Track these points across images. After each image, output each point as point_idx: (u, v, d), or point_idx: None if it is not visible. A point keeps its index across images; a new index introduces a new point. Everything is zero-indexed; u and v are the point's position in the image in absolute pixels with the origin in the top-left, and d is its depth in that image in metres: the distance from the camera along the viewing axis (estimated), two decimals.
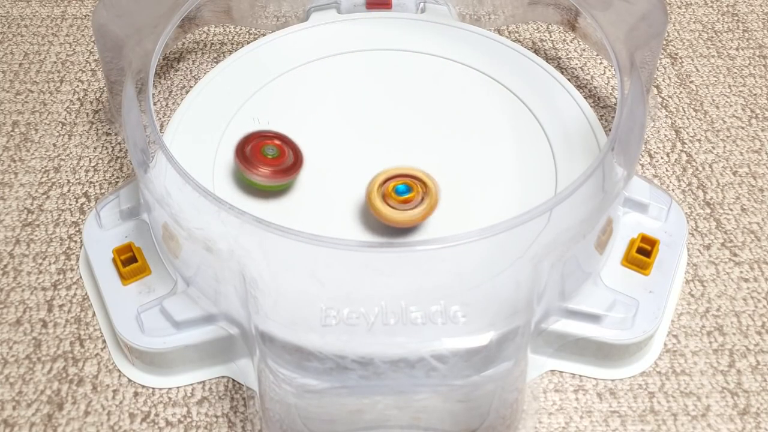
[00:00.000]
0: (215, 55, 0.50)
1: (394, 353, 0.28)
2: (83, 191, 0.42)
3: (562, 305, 0.33)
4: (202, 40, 0.51)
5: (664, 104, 0.47)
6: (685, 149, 0.44)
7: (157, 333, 0.33)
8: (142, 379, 0.34)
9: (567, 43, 0.51)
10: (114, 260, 0.35)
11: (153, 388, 0.34)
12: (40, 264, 0.38)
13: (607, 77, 0.48)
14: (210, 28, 0.52)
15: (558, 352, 0.34)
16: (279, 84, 0.42)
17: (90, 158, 0.44)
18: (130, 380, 0.34)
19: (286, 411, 0.29)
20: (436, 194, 0.34)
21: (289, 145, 0.37)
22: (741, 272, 0.38)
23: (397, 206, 0.34)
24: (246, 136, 0.36)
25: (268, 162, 0.36)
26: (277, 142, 0.36)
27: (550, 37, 0.52)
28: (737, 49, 0.51)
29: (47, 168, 0.43)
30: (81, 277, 0.38)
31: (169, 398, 0.33)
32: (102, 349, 0.35)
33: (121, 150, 0.44)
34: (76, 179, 0.42)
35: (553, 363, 0.34)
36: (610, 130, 0.41)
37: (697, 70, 0.49)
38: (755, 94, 0.47)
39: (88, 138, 0.45)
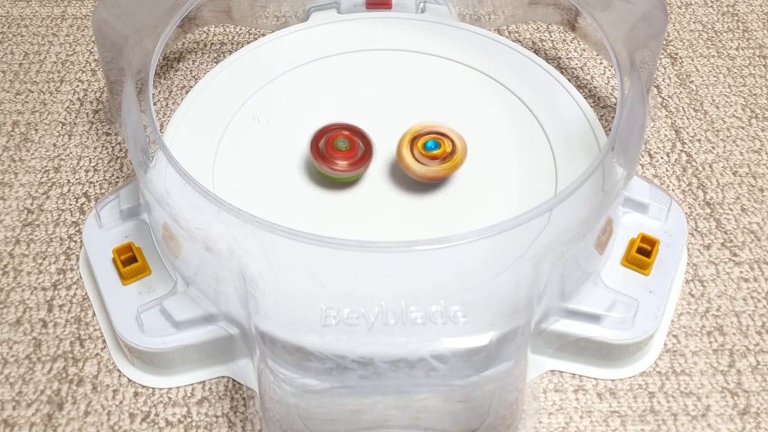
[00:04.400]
0: (215, 55, 0.50)
1: (394, 353, 0.28)
2: (83, 191, 0.42)
3: (562, 305, 0.33)
4: (202, 40, 0.51)
5: (664, 104, 0.47)
6: (685, 149, 0.44)
7: (157, 333, 0.33)
8: (142, 379, 0.34)
9: (567, 43, 0.51)
10: (114, 260, 0.35)
11: (153, 388, 0.34)
12: (40, 264, 0.38)
13: (607, 77, 0.48)
14: (210, 28, 0.52)
15: (558, 352, 0.34)
16: (279, 84, 0.42)
17: (90, 158, 0.44)
18: (130, 380, 0.34)
19: (286, 411, 0.29)
20: (464, 151, 0.36)
21: (358, 136, 0.37)
22: (741, 272, 0.38)
23: (426, 162, 0.36)
24: (317, 131, 0.37)
25: (342, 155, 0.36)
26: (346, 133, 0.37)
27: (550, 37, 0.52)
28: (737, 49, 0.51)
29: (47, 168, 0.43)
30: (81, 277, 0.38)
31: (169, 398, 0.33)
32: (102, 349, 0.35)
33: (121, 150, 0.44)
34: (76, 179, 0.42)
35: (553, 363, 0.34)
36: (610, 130, 0.41)
37: (697, 70, 0.49)
38: (755, 94, 0.47)
39: (88, 138, 0.45)
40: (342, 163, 0.36)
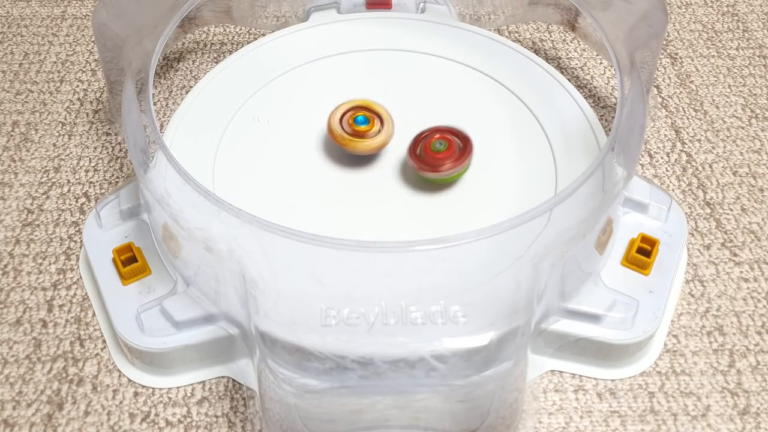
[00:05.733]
0: (215, 55, 0.50)
1: (394, 353, 0.28)
2: (83, 191, 0.42)
3: (562, 305, 0.33)
4: (202, 40, 0.51)
5: (664, 104, 0.47)
6: (685, 149, 0.44)
7: (157, 333, 0.33)
8: (142, 379, 0.34)
9: (567, 43, 0.51)
10: (114, 260, 0.35)
11: (153, 388, 0.34)
12: (40, 264, 0.38)
13: (607, 77, 0.48)
14: (210, 28, 0.52)
15: (558, 352, 0.34)
16: (279, 84, 0.42)
17: (90, 158, 0.44)
18: (130, 380, 0.34)
19: (286, 411, 0.29)
20: (391, 123, 0.38)
21: (452, 133, 0.37)
22: (741, 272, 0.38)
23: (358, 136, 0.37)
24: (415, 138, 0.37)
25: (442, 156, 0.36)
26: (438, 135, 0.37)
27: (550, 37, 0.52)
28: (737, 49, 0.51)
29: (47, 168, 0.43)
30: (81, 277, 0.38)
31: (169, 398, 0.33)
32: (102, 349, 0.35)
33: (121, 150, 0.44)
34: (76, 179, 0.42)
35: (553, 363, 0.34)
36: (610, 130, 0.41)
37: (697, 70, 0.49)
38: (755, 94, 0.47)
39: (88, 138, 0.45)
40: (447, 164, 0.36)
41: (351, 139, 0.37)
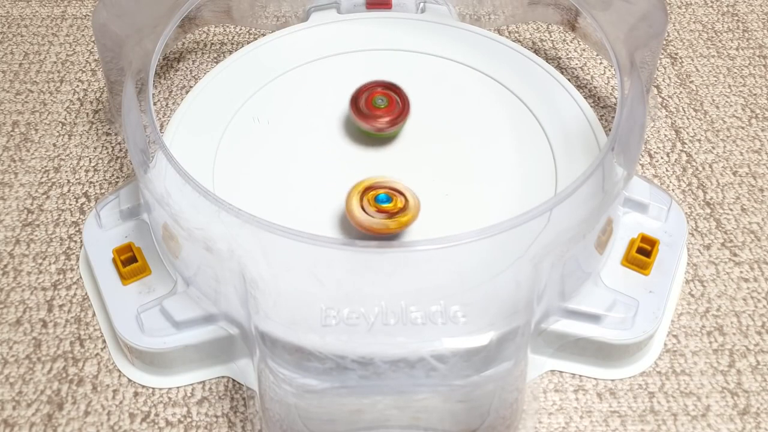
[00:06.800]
0: (215, 55, 0.50)
1: (394, 353, 0.28)
2: (83, 191, 0.42)
3: (562, 305, 0.33)
4: (202, 40, 0.51)
5: (664, 104, 0.47)
6: (685, 149, 0.44)
7: (157, 333, 0.33)
8: (142, 379, 0.34)
9: (567, 43, 0.51)
10: (114, 260, 0.35)
11: (153, 388, 0.34)
12: (40, 264, 0.38)
13: (607, 77, 0.48)
14: (210, 28, 0.52)
15: (558, 352, 0.34)
16: (279, 84, 0.42)
17: (90, 158, 0.44)
18: (130, 380, 0.34)
19: (286, 411, 0.29)
20: (416, 208, 0.34)
21: (395, 92, 0.39)
22: (741, 272, 0.38)
23: (374, 214, 0.34)
24: (357, 89, 0.39)
25: (381, 112, 0.38)
26: (380, 90, 0.39)
27: (550, 37, 0.52)
28: (737, 49, 0.51)
29: (47, 168, 0.43)
30: (81, 277, 0.38)
31: (169, 398, 0.33)
32: (102, 349, 0.35)
33: (121, 150, 0.44)
34: (76, 179, 0.42)
35: (553, 363, 0.34)
36: (610, 130, 0.41)
37: (697, 70, 0.49)
38: (755, 94, 0.47)
39: (88, 138, 0.45)
40: (383, 120, 0.38)
41: (383, 222, 0.34)
